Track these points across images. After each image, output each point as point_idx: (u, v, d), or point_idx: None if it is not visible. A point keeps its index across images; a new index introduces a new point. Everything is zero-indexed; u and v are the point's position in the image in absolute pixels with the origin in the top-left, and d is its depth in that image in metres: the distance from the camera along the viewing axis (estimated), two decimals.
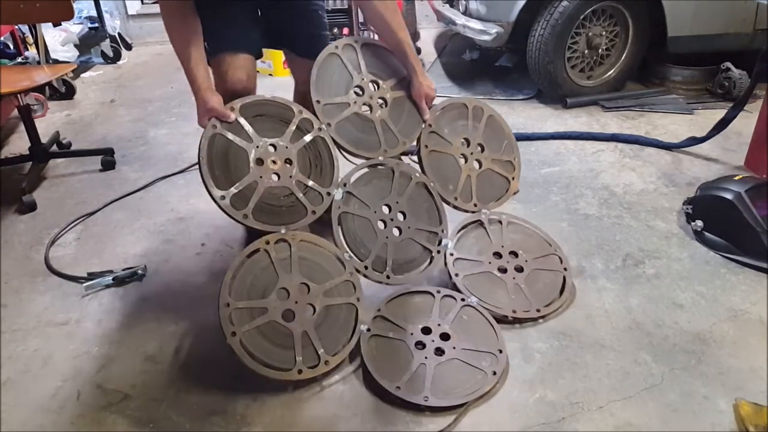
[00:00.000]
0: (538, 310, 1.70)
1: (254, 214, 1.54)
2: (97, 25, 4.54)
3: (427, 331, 1.60)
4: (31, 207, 2.37)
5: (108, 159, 2.75)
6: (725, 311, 1.70)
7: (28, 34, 3.80)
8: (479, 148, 1.92)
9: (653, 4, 3.14)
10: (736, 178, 2.10)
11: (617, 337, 1.62)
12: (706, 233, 2.01)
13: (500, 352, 1.55)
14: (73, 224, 2.26)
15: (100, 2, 4.49)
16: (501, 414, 1.39)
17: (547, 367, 1.52)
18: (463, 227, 1.87)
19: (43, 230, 2.23)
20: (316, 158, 1.68)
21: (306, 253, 1.59)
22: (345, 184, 1.69)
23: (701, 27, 3.20)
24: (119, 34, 4.76)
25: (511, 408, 1.41)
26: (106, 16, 4.58)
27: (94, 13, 4.54)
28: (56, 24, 4.14)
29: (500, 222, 1.90)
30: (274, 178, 1.60)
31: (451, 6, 3.80)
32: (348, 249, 1.65)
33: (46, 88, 3.61)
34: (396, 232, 1.74)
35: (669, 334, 1.62)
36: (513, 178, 1.97)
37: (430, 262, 1.77)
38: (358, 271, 1.64)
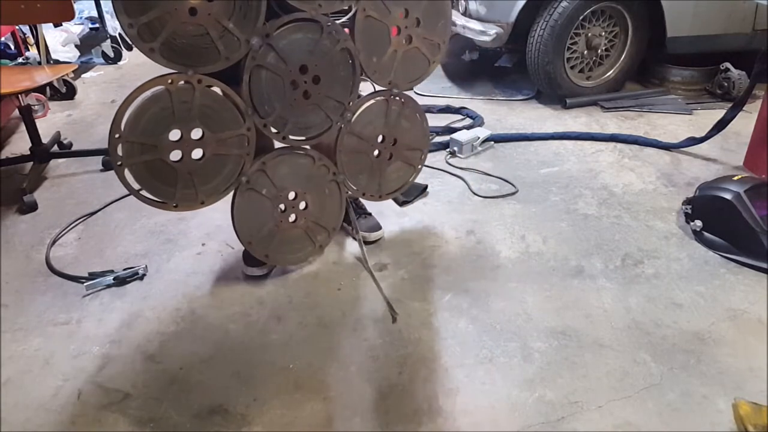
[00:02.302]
0: (381, 197, 2.02)
1: (162, 50, 1.43)
2: (97, 25, 4.56)
3: (293, 197, 1.79)
4: (32, 207, 2.38)
5: (109, 159, 2.75)
6: (724, 311, 1.70)
7: (29, 34, 3.82)
8: (416, 21, 1.80)
9: (652, 4, 3.15)
10: (735, 178, 2.10)
11: (616, 337, 1.62)
12: (705, 233, 2.02)
13: (333, 230, 1.89)
14: (74, 224, 2.27)
15: (101, 2, 4.49)
16: (501, 413, 1.40)
17: (547, 366, 1.53)
18: (368, 102, 1.85)
19: (44, 230, 2.23)
20: None
21: (209, 100, 1.55)
22: (267, 35, 1.55)
23: (700, 27, 3.21)
24: (120, 34, 4.75)
25: (510, 407, 1.41)
26: (106, 17, 4.58)
27: (94, 13, 4.55)
28: (57, 24, 4.15)
29: (402, 103, 1.90)
30: (191, 12, 1.43)
31: (451, 6, 3.80)
32: (252, 104, 1.61)
33: (47, 88, 3.61)
34: (304, 94, 1.67)
35: (668, 334, 1.62)
36: (434, 62, 1.90)
37: (327, 130, 1.77)
38: (256, 128, 1.64)
